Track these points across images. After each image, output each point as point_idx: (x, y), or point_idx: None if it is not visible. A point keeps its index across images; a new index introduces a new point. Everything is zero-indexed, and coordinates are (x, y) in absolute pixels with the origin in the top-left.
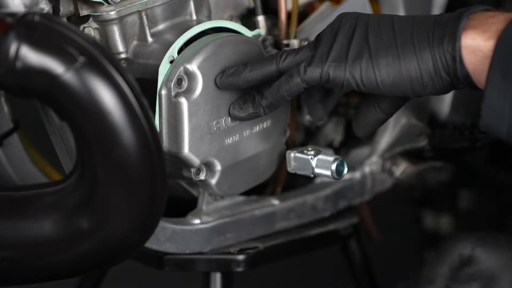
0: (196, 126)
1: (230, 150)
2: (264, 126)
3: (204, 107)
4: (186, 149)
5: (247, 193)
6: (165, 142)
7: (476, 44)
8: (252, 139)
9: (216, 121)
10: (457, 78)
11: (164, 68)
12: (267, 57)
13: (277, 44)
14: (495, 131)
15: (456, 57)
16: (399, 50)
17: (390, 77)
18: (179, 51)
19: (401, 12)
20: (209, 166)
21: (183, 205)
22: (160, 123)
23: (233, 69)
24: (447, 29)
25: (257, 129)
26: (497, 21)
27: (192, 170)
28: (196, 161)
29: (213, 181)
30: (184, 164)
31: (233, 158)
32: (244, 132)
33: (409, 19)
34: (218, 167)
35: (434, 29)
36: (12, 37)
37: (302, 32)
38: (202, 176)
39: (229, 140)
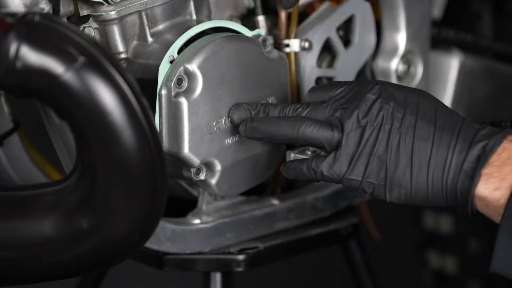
0: (196, 126)
1: (230, 150)
2: None
3: (204, 107)
4: (186, 149)
5: (247, 193)
6: (165, 142)
7: (487, 201)
8: (252, 140)
9: (216, 121)
10: (467, 213)
11: (164, 68)
12: (289, 120)
13: (277, 44)
14: (507, 275)
15: (468, 206)
16: (413, 181)
17: (400, 200)
18: (179, 51)
19: (401, 12)
20: (209, 166)
21: (183, 205)
22: (160, 123)
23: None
24: (461, 179)
25: None
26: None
27: (192, 170)
28: (196, 161)
29: (213, 181)
30: (184, 164)
31: (233, 158)
32: None
33: (430, 137)
34: (218, 167)
35: (450, 167)
36: (12, 37)
37: (302, 32)
38: (202, 176)
39: (229, 140)
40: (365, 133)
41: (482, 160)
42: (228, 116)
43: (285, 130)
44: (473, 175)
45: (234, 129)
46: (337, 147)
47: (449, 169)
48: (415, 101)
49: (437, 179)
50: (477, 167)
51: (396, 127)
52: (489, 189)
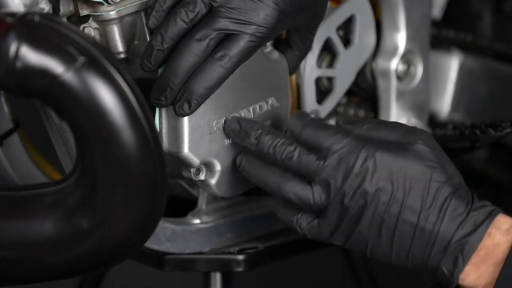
0: (196, 126)
1: (230, 150)
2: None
3: (204, 106)
4: (186, 149)
5: (247, 193)
6: (165, 142)
7: None
8: None
9: (216, 121)
10: None
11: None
12: (274, 174)
13: (277, 43)
14: None
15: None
16: (393, 258)
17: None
18: None
19: (401, 12)
20: (209, 166)
21: (183, 205)
22: (160, 123)
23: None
24: (439, 273)
25: None
26: (495, 261)
27: (192, 170)
28: (196, 161)
29: (213, 181)
30: (184, 164)
31: (233, 158)
32: None
33: (412, 225)
34: (218, 167)
35: (429, 259)
36: (12, 37)
37: None
38: (202, 176)
39: (229, 140)
40: (350, 210)
41: (459, 264)
42: (229, 115)
43: (270, 185)
44: (451, 278)
45: None
46: (319, 213)
47: (427, 261)
48: (407, 174)
49: (416, 263)
50: (454, 271)
51: (382, 204)
52: (473, 277)
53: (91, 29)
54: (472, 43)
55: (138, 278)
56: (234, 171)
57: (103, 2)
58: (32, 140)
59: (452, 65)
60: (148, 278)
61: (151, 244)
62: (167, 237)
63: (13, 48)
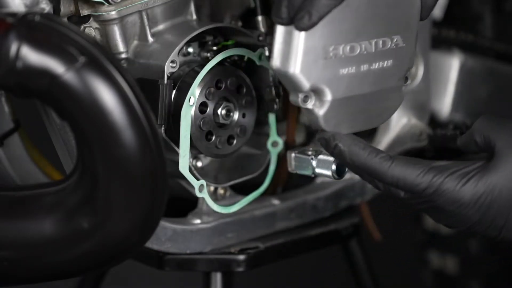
0: (312, 47)
1: (343, 82)
2: (385, 65)
3: (323, 28)
4: (297, 69)
5: (247, 193)
6: (277, 60)
7: None
8: (369, 76)
9: (333, 47)
10: None
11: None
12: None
13: None
14: None
15: None
16: None
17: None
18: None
19: None
20: (318, 94)
21: (183, 205)
22: (274, 38)
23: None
24: None
25: (376, 67)
26: None
27: (300, 95)
28: (305, 84)
29: (321, 112)
30: (293, 87)
31: (346, 91)
32: (362, 66)
33: None
34: (329, 97)
35: None
36: (12, 37)
37: None
38: (309, 105)
39: (344, 70)
40: None
41: None
42: (347, 44)
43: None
44: None
45: (352, 59)
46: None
47: None
48: None
49: None
50: None
51: None
52: None
53: (91, 29)
54: (472, 43)
55: (138, 278)
56: (344, 106)
57: (104, 2)
58: (33, 140)
59: (452, 65)
60: (148, 278)
61: (152, 244)
62: (168, 237)
63: (13, 48)
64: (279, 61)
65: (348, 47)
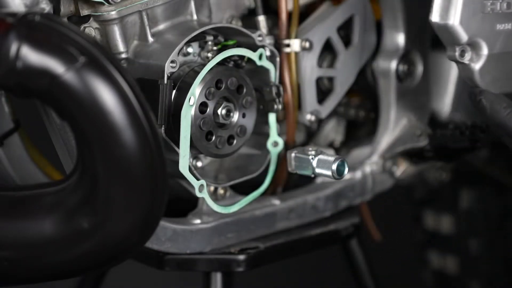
0: (471, 0)
1: (500, 37)
2: None
3: None
4: (457, 21)
5: (247, 193)
6: (435, 12)
7: None
8: None
9: (491, 1)
10: None
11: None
12: None
13: (278, 44)
14: None
15: None
16: None
17: None
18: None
19: (402, 12)
20: (475, 48)
21: (183, 205)
22: None
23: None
24: None
25: None
26: None
27: (457, 49)
28: (464, 36)
29: (477, 66)
30: (451, 39)
31: (502, 47)
32: None
33: None
34: (485, 51)
35: None
36: (12, 37)
37: (303, 32)
38: (466, 58)
39: (501, 26)
40: None
41: None
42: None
43: None
44: None
45: (508, 16)
46: None
47: None
48: None
49: None
50: None
51: None
52: None
53: (91, 29)
54: None
55: (138, 278)
56: (500, 62)
57: (104, 2)
58: (33, 140)
59: (452, 65)
60: (148, 278)
61: (152, 244)
62: (168, 237)
63: (13, 48)
64: (439, 14)
65: (505, 4)
